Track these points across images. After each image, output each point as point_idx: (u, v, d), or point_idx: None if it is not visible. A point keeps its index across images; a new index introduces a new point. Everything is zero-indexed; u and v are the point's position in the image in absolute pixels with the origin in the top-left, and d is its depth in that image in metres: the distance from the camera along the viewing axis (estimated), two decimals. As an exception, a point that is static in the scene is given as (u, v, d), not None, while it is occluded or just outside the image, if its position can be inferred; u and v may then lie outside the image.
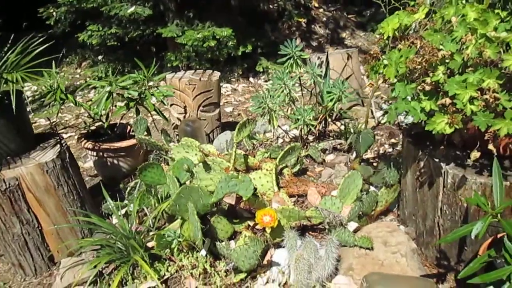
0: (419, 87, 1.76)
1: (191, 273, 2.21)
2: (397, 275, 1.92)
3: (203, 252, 2.30)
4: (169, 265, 2.26)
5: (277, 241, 2.21)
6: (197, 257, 2.28)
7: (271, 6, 7.35)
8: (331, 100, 3.21)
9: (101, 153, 3.17)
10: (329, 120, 3.77)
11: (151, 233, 2.39)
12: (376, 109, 4.03)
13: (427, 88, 1.69)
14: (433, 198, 2.03)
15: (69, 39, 7.11)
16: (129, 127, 3.45)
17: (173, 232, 2.21)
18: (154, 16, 5.95)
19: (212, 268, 2.22)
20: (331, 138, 3.48)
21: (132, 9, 5.57)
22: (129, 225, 2.32)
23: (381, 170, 2.60)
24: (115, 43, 6.09)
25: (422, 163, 2.04)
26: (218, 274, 2.19)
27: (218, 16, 6.07)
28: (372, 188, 2.68)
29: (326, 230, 2.22)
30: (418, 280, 1.87)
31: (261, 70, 6.25)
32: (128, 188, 2.69)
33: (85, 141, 3.18)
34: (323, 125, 3.68)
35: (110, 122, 3.43)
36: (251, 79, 6.31)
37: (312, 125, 3.09)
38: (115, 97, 3.05)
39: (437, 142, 2.03)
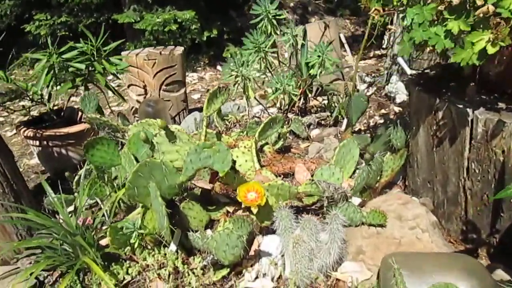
0: (440, 7, 1.35)
1: (158, 274, 1.73)
2: (426, 253, 1.51)
3: (173, 247, 1.83)
4: (130, 266, 1.77)
5: (266, 225, 1.76)
6: (165, 254, 1.80)
7: (235, -7, 6.93)
8: (312, 66, 2.79)
9: (45, 142, 2.64)
10: (310, 95, 3.36)
11: (104, 228, 1.90)
12: (360, 82, 3.65)
13: (455, 2, 1.28)
14: (456, 156, 1.63)
15: (18, 38, 6.47)
16: (79, 113, 2.93)
17: (132, 224, 1.72)
18: (108, 2, 5.42)
19: (185, 266, 1.75)
20: (313, 113, 3.06)
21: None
22: (76, 220, 1.82)
23: (380, 137, 2.20)
24: (66, 33, 5.51)
25: (440, 114, 1.64)
26: (193, 273, 1.72)
27: (179, 0, 5.59)
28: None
29: (324, 209, 1.78)
30: (455, 257, 1.46)
31: (229, 56, 5.79)
32: (77, 177, 2.18)
33: (24, 128, 2.65)
34: (303, 101, 3.26)
35: (57, 107, 2.91)
36: (218, 67, 5.85)
37: (294, 95, 2.66)
38: (61, 75, 2.54)
39: (464, 80, 1.63)
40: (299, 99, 3.15)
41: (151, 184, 1.62)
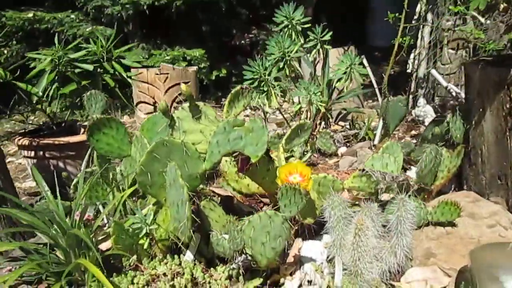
0: None
1: (173, 285, 1.37)
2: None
3: (189, 255, 1.48)
4: (135, 276, 1.41)
5: (308, 222, 1.42)
6: (180, 263, 1.45)
7: (243, 42, 6.96)
8: (338, 80, 2.57)
9: (41, 153, 2.34)
10: (331, 119, 3.12)
11: (105, 229, 1.55)
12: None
13: None
14: (541, 137, 1.34)
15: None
16: (81, 129, 2.66)
17: (142, 217, 1.39)
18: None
19: (206, 276, 1.39)
20: (340, 132, 2.79)
21: (90, 28, 4.94)
22: (72, 215, 1.48)
23: (433, 129, 1.90)
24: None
25: (517, 87, 1.37)
26: (217, 283, 1.35)
27: (188, 41, 5.53)
28: (413, 168, 1.98)
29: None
30: None
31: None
32: (75, 180, 1.86)
33: (19, 137, 2.36)
34: (324, 126, 3.01)
35: (57, 121, 2.64)
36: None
37: (322, 105, 2.40)
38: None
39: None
40: (319, 124, 2.90)
41: (170, 164, 1.31)
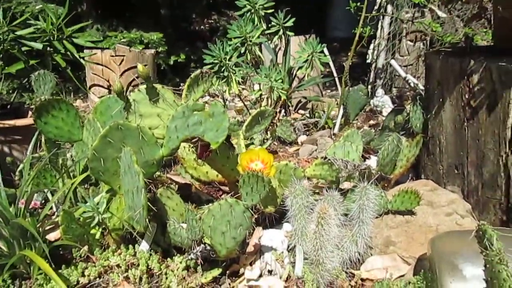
0: None
1: (126, 276, 1.30)
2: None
3: (144, 245, 1.42)
4: (86, 268, 1.33)
5: (269, 211, 1.39)
6: (134, 253, 1.38)
7: (202, 27, 6.81)
8: (299, 67, 2.54)
9: (-17, 137, 2.17)
10: (290, 108, 3.11)
11: (53, 218, 1.46)
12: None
13: None
14: (496, 127, 1.37)
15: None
16: (29, 112, 2.49)
17: (94, 205, 1.30)
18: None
19: (163, 266, 1.33)
20: (299, 120, 2.78)
21: (40, 5, 4.65)
22: (16, 203, 1.37)
23: (384, 131, 1.93)
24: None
25: (476, 77, 1.39)
26: (174, 274, 1.30)
27: (146, 24, 5.34)
28: (372, 157, 2.00)
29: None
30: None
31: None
32: (21, 166, 1.74)
33: (-42, 120, 2.18)
34: (284, 114, 2.99)
35: (2, 103, 2.47)
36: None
37: (283, 92, 2.37)
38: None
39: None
40: (279, 112, 2.88)
41: (125, 149, 1.23)
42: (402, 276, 1.24)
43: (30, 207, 1.38)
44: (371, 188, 1.20)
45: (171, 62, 5.25)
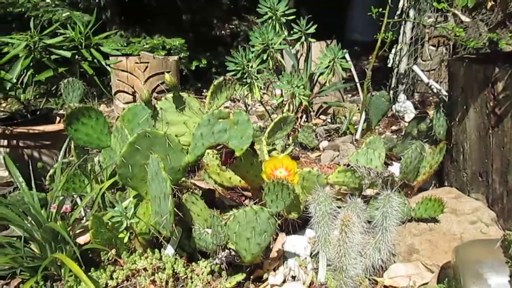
0: None
1: (153, 280, 1.34)
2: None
3: (170, 249, 1.45)
4: (114, 271, 1.37)
5: (292, 217, 1.41)
6: (160, 257, 1.42)
7: (223, 32, 6.87)
8: (321, 73, 2.56)
9: (15, 141, 2.25)
10: (311, 113, 3.11)
11: (83, 222, 1.50)
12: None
13: None
14: (523, 134, 1.36)
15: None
16: (57, 117, 2.57)
17: (122, 210, 1.34)
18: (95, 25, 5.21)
19: (188, 270, 1.36)
20: (321, 126, 2.79)
21: (67, 13, 4.78)
22: (48, 207, 1.43)
23: (407, 137, 1.93)
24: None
25: (501, 85, 1.38)
26: (199, 278, 1.33)
27: (168, 30, 5.42)
28: (395, 164, 1.99)
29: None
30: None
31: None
32: (51, 171, 1.80)
33: (-10, 125, 2.26)
34: (305, 119, 3.00)
35: (31, 109, 2.55)
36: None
37: (305, 98, 2.39)
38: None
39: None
40: (301, 117, 2.89)
41: (153, 156, 1.27)
42: (426, 284, 1.24)
43: (62, 211, 1.43)
44: (394, 196, 1.20)
45: (193, 68, 5.32)
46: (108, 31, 4.89)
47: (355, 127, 2.72)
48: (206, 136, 1.38)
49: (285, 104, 2.66)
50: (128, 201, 1.48)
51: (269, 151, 2.28)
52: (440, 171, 1.82)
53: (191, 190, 1.55)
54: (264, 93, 3.30)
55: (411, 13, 3.15)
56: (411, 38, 3.21)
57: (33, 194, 1.51)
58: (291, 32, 2.46)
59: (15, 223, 1.39)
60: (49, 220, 1.40)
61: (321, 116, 3.17)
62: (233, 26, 6.59)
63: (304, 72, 2.88)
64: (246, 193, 1.93)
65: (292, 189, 1.12)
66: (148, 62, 2.73)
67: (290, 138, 2.43)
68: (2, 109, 2.50)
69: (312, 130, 2.43)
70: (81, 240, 1.46)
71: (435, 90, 2.76)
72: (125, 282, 1.34)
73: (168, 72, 2.87)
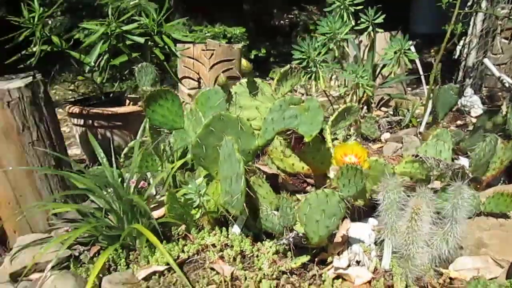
0: None
1: (221, 256, 1.41)
2: None
3: (236, 228, 1.51)
4: (185, 245, 1.45)
5: (358, 204, 1.43)
6: (227, 235, 1.49)
7: (282, 22, 6.89)
8: (384, 65, 2.53)
9: (90, 121, 2.42)
10: (372, 104, 3.08)
11: (157, 197, 1.60)
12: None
13: None
14: None
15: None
16: (127, 101, 2.72)
17: (196, 188, 1.42)
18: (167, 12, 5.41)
19: (255, 248, 1.42)
20: (383, 118, 2.76)
21: (134, 1, 4.99)
22: (128, 181, 1.53)
23: (476, 132, 1.87)
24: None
25: None
26: (265, 257, 1.38)
27: (229, 18, 5.51)
28: (462, 158, 1.95)
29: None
30: None
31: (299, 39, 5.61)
32: (126, 149, 1.92)
33: (70, 105, 2.44)
34: (366, 110, 2.98)
35: (105, 91, 2.71)
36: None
37: (369, 89, 2.37)
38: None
39: None
40: (362, 108, 2.87)
41: (227, 138, 1.33)
42: (494, 278, 1.23)
43: (139, 186, 1.53)
44: (466, 188, 1.19)
45: (252, 56, 5.39)
46: (172, 20, 5.06)
47: (418, 120, 2.67)
48: (277, 121, 1.42)
49: (347, 95, 2.66)
50: (201, 179, 1.56)
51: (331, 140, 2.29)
52: (510, 168, 1.76)
53: (258, 174, 1.60)
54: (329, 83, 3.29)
55: (484, 4, 3.02)
56: (482, 30, 3.08)
57: (113, 170, 1.62)
58: (358, 22, 2.45)
59: (97, 194, 1.51)
60: (127, 193, 1.50)
61: (382, 108, 3.13)
62: (292, 16, 6.60)
63: (367, 63, 2.85)
64: (308, 180, 1.96)
65: (365, 175, 1.14)
66: (214, 50, 2.81)
67: (352, 128, 2.43)
68: (76, 91, 2.68)
69: (375, 121, 2.41)
70: (155, 214, 1.56)
71: (506, 85, 2.65)
72: (196, 255, 1.42)
73: (232, 60, 2.94)
